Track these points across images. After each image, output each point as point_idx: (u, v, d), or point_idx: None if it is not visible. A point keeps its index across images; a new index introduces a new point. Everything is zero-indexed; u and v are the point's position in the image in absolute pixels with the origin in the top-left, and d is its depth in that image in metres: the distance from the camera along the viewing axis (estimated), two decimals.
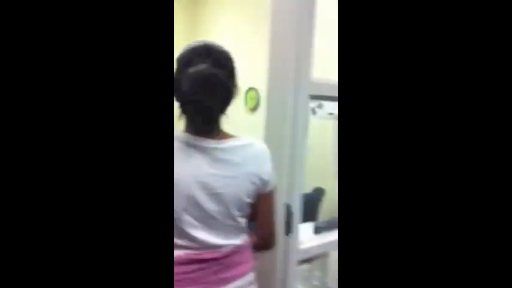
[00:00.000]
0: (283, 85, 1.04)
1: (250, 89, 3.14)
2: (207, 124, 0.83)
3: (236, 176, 0.83)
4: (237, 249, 0.87)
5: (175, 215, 0.80)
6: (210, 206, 0.81)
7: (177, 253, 0.82)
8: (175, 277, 0.80)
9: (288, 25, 1.01)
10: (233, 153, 0.83)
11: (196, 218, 0.81)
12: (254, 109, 3.17)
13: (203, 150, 0.81)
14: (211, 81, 0.77)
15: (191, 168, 0.80)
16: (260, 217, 0.92)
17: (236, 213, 0.85)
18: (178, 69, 0.82)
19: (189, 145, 0.81)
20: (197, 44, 0.83)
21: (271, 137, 1.09)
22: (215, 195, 0.81)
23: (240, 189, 0.84)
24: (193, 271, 0.81)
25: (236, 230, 0.87)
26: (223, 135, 0.86)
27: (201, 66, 0.77)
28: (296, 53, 1.00)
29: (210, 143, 0.82)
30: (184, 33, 3.89)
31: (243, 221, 0.88)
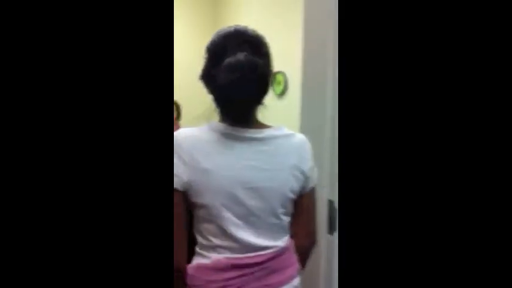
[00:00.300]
0: (321, 66, 0.93)
1: (277, 72, 3.01)
2: (246, 115, 0.77)
3: (277, 169, 0.76)
4: (281, 252, 0.79)
5: (214, 211, 0.73)
6: (252, 202, 0.74)
7: (217, 257, 0.75)
8: (214, 285, 0.73)
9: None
10: (272, 144, 0.77)
11: (237, 216, 0.74)
12: (282, 94, 3.05)
13: (242, 140, 0.75)
14: (253, 71, 0.70)
15: (230, 160, 0.74)
16: (302, 216, 0.83)
17: (280, 210, 0.77)
18: (210, 59, 0.75)
19: (227, 136, 0.75)
20: (228, 30, 0.75)
21: (309, 125, 0.99)
22: (256, 190, 0.74)
23: (283, 184, 0.76)
24: (234, 278, 0.74)
25: (280, 230, 0.80)
26: (260, 125, 0.79)
27: (240, 56, 0.70)
28: (334, 28, 0.88)
29: (249, 133, 0.76)
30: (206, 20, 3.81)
31: (287, 219, 0.81)
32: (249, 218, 0.75)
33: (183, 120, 3.34)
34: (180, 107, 3.24)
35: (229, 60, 0.70)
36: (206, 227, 0.76)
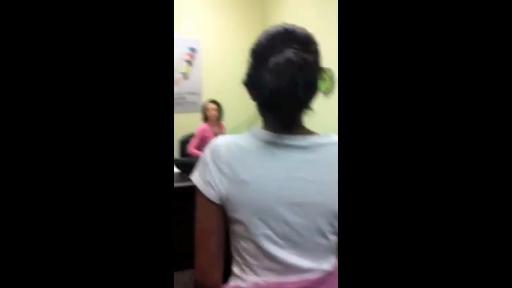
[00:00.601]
0: None
1: (323, 69, 2.87)
2: (291, 120, 0.69)
3: (325, 182, 0.66)
4: (326, 276, 0.69)
5: (251, 228, 0.66)
6: (295, 218, 0.65)
7: (256, 280, 0.67)
8: None
9: None
10: (319, 153, 0.67)
11: (278, 234, 0.66)
12: (328, 92, 2.90)
13: (285, 148, 0.67)
14: (302, 69, 0.62)
15: (271, 171, 0.65)
16: None
17: (327, 228, 0.68)
18: (255, 61, 0.68)
19: (269, 143, 0.67)
20: (276, 28, 0.67)
21: None
22: (300, 205, 0.65)
23: (331, 199, 0.66)
24: None
25: (326, 251, 0.70)
26: (306, 131, 0.70)
27: (288, 53, 0.62)
28: None
29: (293, 140, 0.67)
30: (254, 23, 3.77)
31: (335, 239, 0.70)
32: (292, 237, 0.66)
33: (227, 125, 3.33)
34: (222, 107, 3.22)
35: (276, 59, 0.62)
36: (243, 245, 0.68)
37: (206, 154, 0.69)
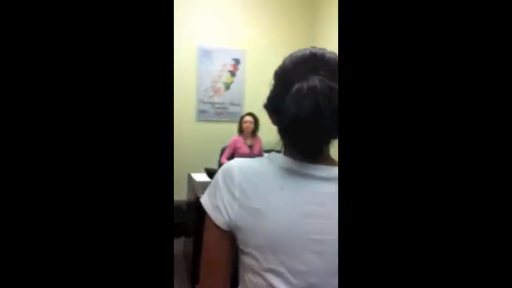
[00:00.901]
0: None
1: None
2: (314, 149, 0.63)
3: None
4: None
5: (263, 264, 0.60)
6: (312, 256, 0.58)
7: None
8: None
9: None
10: None
11: (291, 271, 0.59)
12: None
13: (305, 178, 0.61)
14: (328, 98, 0.57)
15: (288, 202, 0.60)
16: None
17: None
18: (278, 85, 0.64)
19: (288, 172, 0.62)
20: (303, 53, 0.63)
21: None
22: (320, 243, 0.58)
23: None
24: None
25: None
26: (331, 161, 0.64)
27: (313, 81, 0.57)
28: None
29: (314, 170, 0.61)
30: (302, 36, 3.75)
31: None
32: (307, 277, 0.59)
33: (266, 139, 3.30)
34: (258, 120, 3.19)
35: (300, 85, 0.57)
36: (252, 278, 0.62)
37: (218, 177, 0.65)
